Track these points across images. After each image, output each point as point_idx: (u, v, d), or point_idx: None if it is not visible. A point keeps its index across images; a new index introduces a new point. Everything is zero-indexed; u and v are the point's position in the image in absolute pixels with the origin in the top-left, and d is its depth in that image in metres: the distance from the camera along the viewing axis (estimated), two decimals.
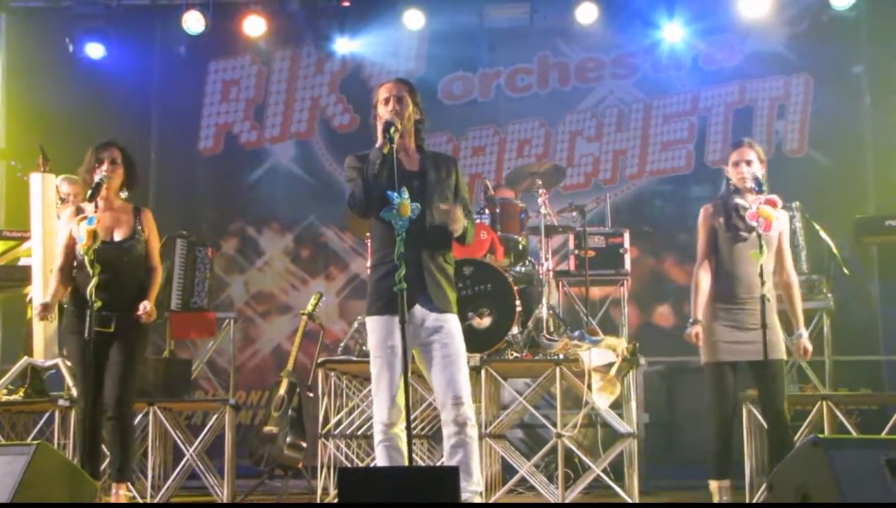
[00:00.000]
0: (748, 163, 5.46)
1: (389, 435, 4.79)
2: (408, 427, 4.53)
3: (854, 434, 6.56)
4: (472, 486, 4.75)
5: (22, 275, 7.65)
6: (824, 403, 6.80)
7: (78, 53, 10.17)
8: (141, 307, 5.70)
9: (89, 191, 5.59)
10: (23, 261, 7.88)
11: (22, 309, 7.82)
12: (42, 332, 7.07)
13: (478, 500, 4.81)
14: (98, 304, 5.48)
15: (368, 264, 4.99)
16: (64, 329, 6.02)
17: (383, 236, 4.86)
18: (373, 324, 4.88)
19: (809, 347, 5.51)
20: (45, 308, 5.74)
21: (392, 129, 4.73)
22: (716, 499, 5.46)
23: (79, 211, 5.81)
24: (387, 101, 4.90)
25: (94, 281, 5.50)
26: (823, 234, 7.26)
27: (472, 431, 4.81)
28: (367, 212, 4.85)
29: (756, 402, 6.14)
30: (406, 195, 4.64)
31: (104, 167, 5.67)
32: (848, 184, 9.44)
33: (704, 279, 5.57)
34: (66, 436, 7.00)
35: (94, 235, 5.56)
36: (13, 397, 7.41)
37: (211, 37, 10.16)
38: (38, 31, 10.28)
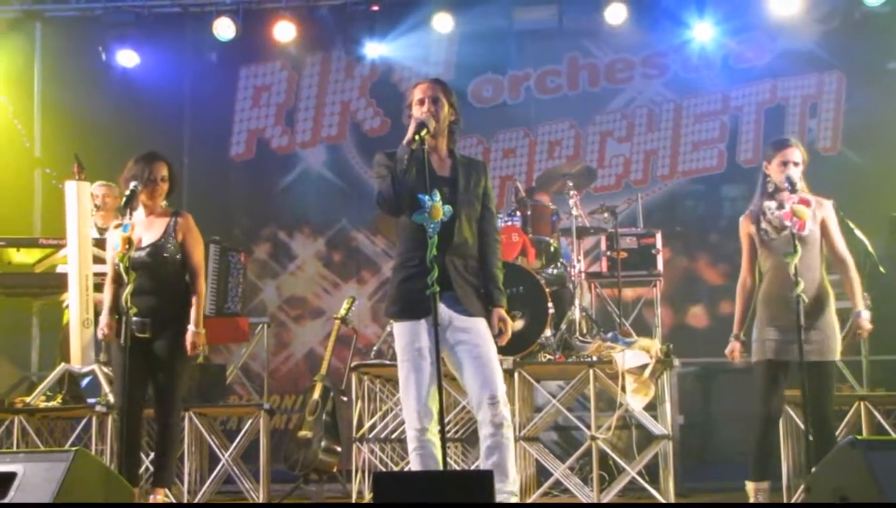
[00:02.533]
0: (795, 164, 5.44)
1: (423, 441, 4.72)
2: (441, 431, 4.50)
3: (893, 434, 6.50)
4: (509, 486, 4.71)
5: (58, 283, 7.70)
6: (862, 404, 6.74)
7: (111, 61, 10.26)
8: (188, 336, 5.73)
9: (124, 200, 5.63)
10: (60, 269, 7.95)
11: (59, 317, 7.87)
12: (79, 339, 7.12)
13: (514, 500, 4.79)
14: (133, 311, 5.53)
15: (392, 268, 4.98)
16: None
17: (410, 238, 4.82)
18: (399, 328, 4.83)
19: (868, 326, 5.47)
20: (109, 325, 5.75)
21: (424, 131, 4.68)
22: (751, 497, 5.42)
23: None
24: (421, 102, 4.86)
25: (129, 288, 5.54)
26: (859, 233, 7.18)
27: (509, 432, 4.77)
28: (396, 210, 4.83)
29: (795, 403, 6.10)
30: (438, 198, 4.59)
31: (132, 184, 5.67)
32: (883, 183, 9.34)
33: (746, 290, 5.61)
34: (103, 442, 7.05)
35: (128, 242, 5.60)
36: (51, 403, 7.49)
37: (241, 43, 10.24)
38: (71, 40, 10.39)
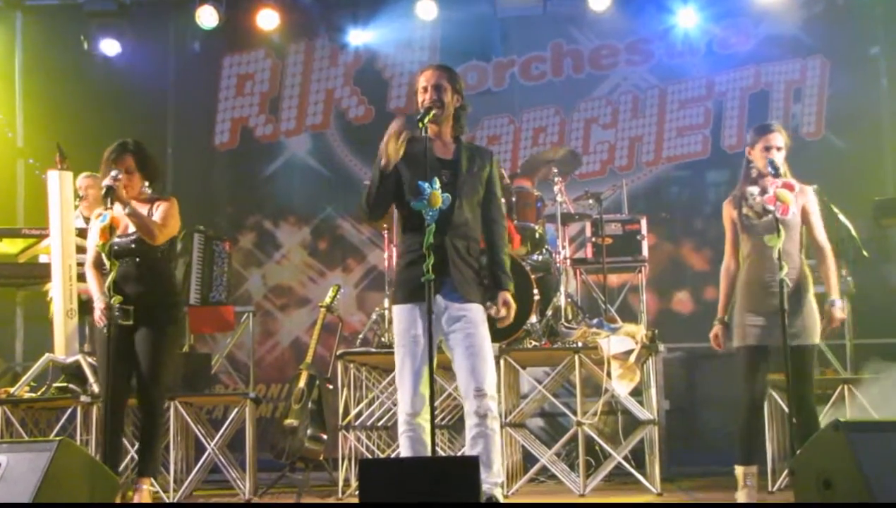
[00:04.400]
0: (778, 148, 5.46)
1: (413, 425, 4.76)
2: (431, 418, 4.52)
3: (875, 417, 6.53)
4: (493, 478, 4.74)
5: (42, 273, 7.69)
6: (845, 387, 6.79)
7: (93, 50, 10.22)
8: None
9: (102, 192, 5.63)
10: (42, 259, 7.93)
11: (43, 307, 7.84)
12: (63, 329, 7.10)
13: (497, 491, 4.80)
14: (117, 300, 5.53)
15: (395, 253, 5.00)
16: (88, 323, 6.04)
17: (409, 225, 4.85)
18: (397, 313, 4.86)
19: (840, 315, 5.46)
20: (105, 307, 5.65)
21: (427, 117, 4.71)
22: (741, 485, 5.43)
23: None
24: (424, 90, 4.88)
25: (111, 277, 5.54)
26: (842, 217, 7.22)
27: (494, 423, 4.79)
28: (366, 219, 4.87)
29: (780, 388, 6.12)
30: (437, 185, 4.61)
31: (116, 172, 5.66)
32: (866, 167, 9.42)
33: (726, 275, 5.63)
34: (88, 432, 7.04)
35: (107, 231, 5.60)
36: (36, 394, 7.45)
37: (225, 31, 10.23)
38: (53, 29, 10.36)
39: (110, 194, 5.59)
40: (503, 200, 7.47)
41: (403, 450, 4.80)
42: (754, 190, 5.47)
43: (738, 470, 5.46)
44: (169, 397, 7.35)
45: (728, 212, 5.62)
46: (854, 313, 7.29)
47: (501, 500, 4.85)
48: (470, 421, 4.78)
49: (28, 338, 9.42)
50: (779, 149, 5.44)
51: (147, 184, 5.90)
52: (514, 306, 4.98)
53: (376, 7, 10.12)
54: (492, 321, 4.96)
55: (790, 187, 5.38)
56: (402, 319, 4.83)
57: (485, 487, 4.69)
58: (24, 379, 7.52)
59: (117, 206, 5.67)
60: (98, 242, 5.66)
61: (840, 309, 5.47)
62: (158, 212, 5.81)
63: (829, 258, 5.56)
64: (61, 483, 4.04)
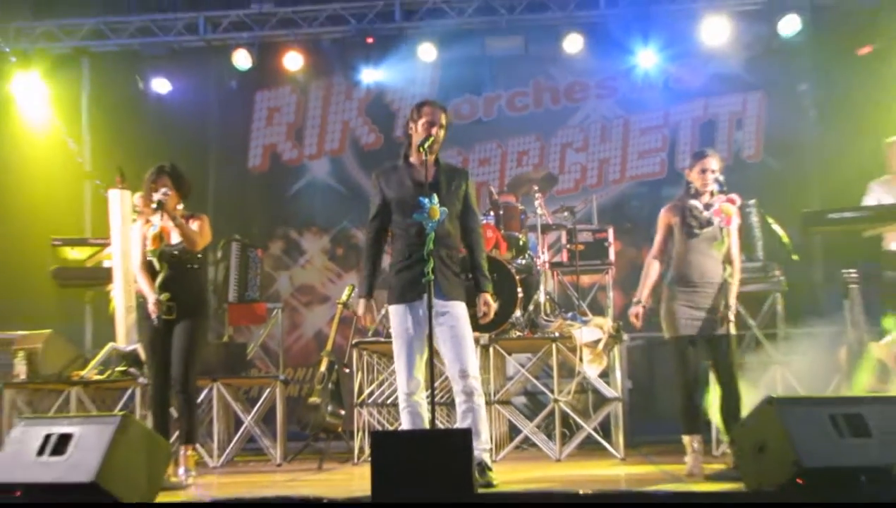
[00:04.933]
0: (713, 171, 5.44)
1: (410, 402, 4.83)
2: (431, 396, 4.55)
3: (801, 393, 6.58)
4: (482, 445, 4.80)
5: (105, 275, 7.76)
6: (777, 368, 6.87)
7: (147, 89, 10.24)
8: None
9: (154, 206, 5.62)
10: (106, 264, 7.99)
11: (107, 304, 7.89)
12: (124, 322, 7.17)
13: (486, 456, 4.85)
14: (165, 296, 5.56)
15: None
16: (138, 318, 6.06)
17: (404, 237, 4.89)
18: (393, 311, 4.91)
19: (731, 318, 5.37)
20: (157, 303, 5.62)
21: (426, 144, 4.81)
22: (689, 450, 5.40)
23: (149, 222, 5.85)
24: (431, 125, 4.91)
25: (160, 277, 5.59)
26: (776, 226, 7.25)
27: (479, 399, 4.85)
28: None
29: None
30: (436, 200, 4.62)
31: (165, 188, 5.64)
32: (796, 184, 9.41)
33: (654, 268, 5.57)
34: (145, 408, 7.08)
35: (158, 238, 5.63)
36: (103, 376, 7.50)
37: (257, 71, 10.22)
38: (113, 71, 10.32)
39: (161, 207, 5.60)
40: (492, 212, 7.58)
41: (404, 423, 4.86)
42: (699, 204, 5.45)
43: (685, 439, 5.45)
44: (211, 379, 7.42)
45: (667, 218, 5.54)
46: (785, 306, 7.33)
47: (490, 464, 4.90)
48: (458, 399, 4.85)
49: (95, 330, 9.43)
50: (713, 171, 5.41)
51: (181, 200, 5.79)
52: (493, 305, 5.02)
53: (385, 50, 10.11)
54: (477, 317, 5.01)
55: (733, 201, 5.40)
56: (396, 315, 4.89)
57: (476, 453, 4.75)
58: (91, 364, 7.57)
59: (165, 217, 5.64)
60: (150, 248, 5.65)
61: (732, 313, 5.39)
62: (195, 225, 5.75)
63: (737, 271, 5.50)
64: (124, 449, 4.06)
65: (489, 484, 4.73)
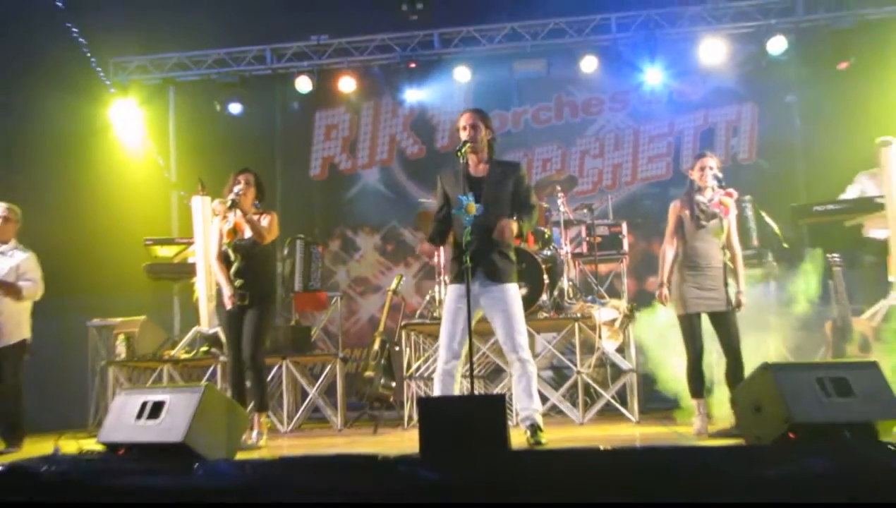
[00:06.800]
0: (710, 168, 5.44)
1: (444, 373, 4.77)
2: (471, 369, 4.48)
3: (791, 360, 6.49)
4: (534, 404, 4.76)
5: (190, 270, 7.86)
6: (771, 340, 6.77)
7: (223, 111, 10.30)
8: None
9: (228, 204, 5.61)
10: (190, 260, 8.10)
11: (191, 293, 8.00)
12: (206, 309, 7.25)
13: (538, 416, 4.78)
14: (238, 283, 5.59)
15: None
16: (217, 305, 6.10)
17: (456, 228, 4.82)
18: (448, 291, 4.90)
19: (744, 300, 5.36)
20: (231, 297, 5.59)
21: (461, 150, 4.75)
22: (696, 412, 5.39)
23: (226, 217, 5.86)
24: (464, 128, 4.89)
25: (234, 268, 5.60)
26: (768, 219, 7.18)
27: (531, 367, 4.79)
28: (438, 246, 4.95)
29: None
30: (472, 198, 4.58)
31: (239, 187, 5.61)
32: (785, 182, 9.34)
33: (669, 253, 5.55)
34: (225, 381, 7.17)
35: (233, 232, 5.66)
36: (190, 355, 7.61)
37: (316, 94, 10.27)
38: (195, 97, 10.44)
39: (235, 204, 5.57)
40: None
41: (436, 388, 4.80)
42: (704, 198, 5.44)
43: (693, 402, 5.46)
44: (281, 357, 7.48)
45: (677, 211, 5.53)
46: (777, 288, 7.23)
47: (541, 425, 4.80)
48: (513, 367, 4.82)
49: (182, 316, 9.57)
50: (711, 168, 5.42)
51: (257, 198, 5.77)
52: (507, 231, 4.74)
53: (426, 74, 10.14)
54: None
55: (730, 194, 5.39)
56: (449, 294, 4.87)
57: (528, 413, 4.71)
58: (179, 345, 7.69)
59: (238, 213, 5.65)
60: (226, 240, 5.66)
61: (742, 296, 5.36)
62: (266, 221, 5.71)
63: (740, 258, 5.47)
64: (208, 414, 4.08)
65: (539, 443, 4.66)
